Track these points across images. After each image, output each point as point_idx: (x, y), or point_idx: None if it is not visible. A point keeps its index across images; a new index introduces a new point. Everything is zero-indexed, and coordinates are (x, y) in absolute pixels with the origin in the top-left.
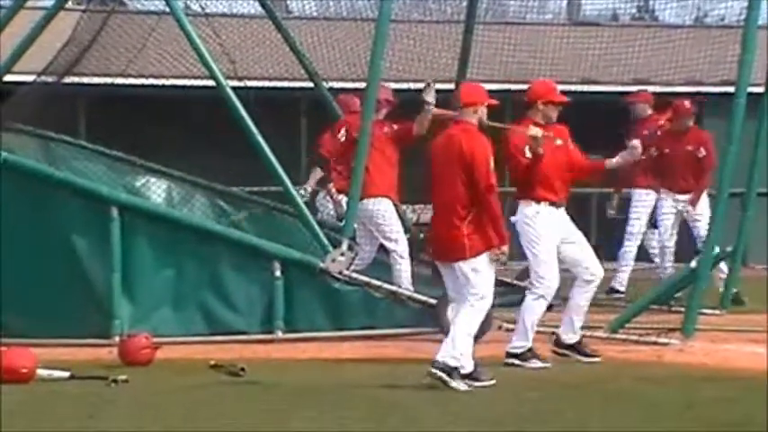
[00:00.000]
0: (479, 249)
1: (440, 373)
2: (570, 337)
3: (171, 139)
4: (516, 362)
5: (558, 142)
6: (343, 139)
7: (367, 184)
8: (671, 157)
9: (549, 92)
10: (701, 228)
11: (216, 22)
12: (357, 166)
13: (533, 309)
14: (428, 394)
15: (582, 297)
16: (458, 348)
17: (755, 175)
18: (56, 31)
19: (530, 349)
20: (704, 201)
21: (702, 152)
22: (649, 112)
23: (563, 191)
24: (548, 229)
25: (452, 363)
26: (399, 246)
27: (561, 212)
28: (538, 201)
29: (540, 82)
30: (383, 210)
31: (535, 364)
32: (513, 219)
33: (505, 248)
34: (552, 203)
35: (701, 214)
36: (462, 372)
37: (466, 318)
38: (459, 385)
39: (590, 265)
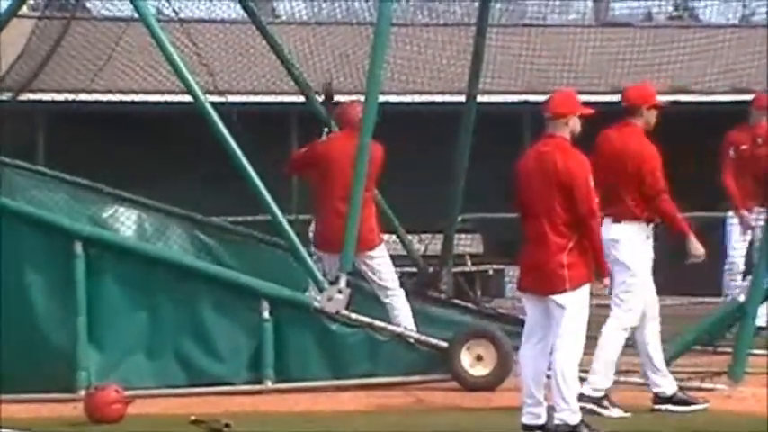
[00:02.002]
0: (580, 281)
1: None
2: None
3: (143, 163)
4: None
5: None
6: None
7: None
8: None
9: (651, 96)
10: None
11: (192, 28)
12: (356, 186)
13: (616, 341)
14: None
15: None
16: (570, 400)
17: None
18: (8, 40)
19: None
20: None
21: None
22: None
23: None
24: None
25: (573, 419)
26: (389, 286)
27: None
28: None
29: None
30: (379, 260)
31: (616, 411)
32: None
33: (607, 281)
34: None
35: None
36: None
37: (565, 361)
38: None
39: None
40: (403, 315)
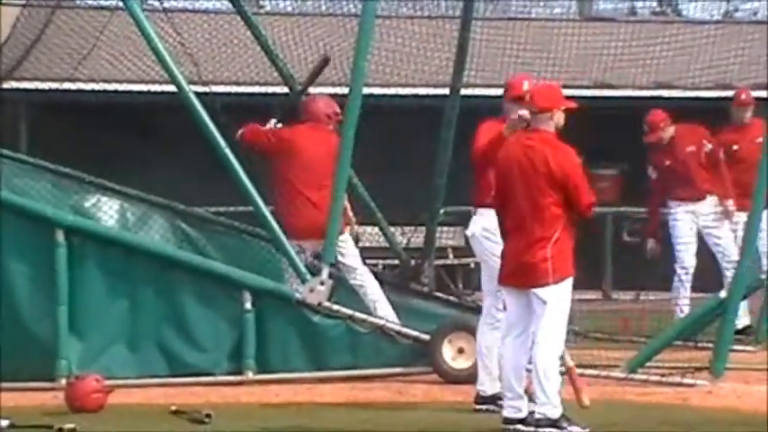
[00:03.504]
0: (563, 275)
1: (548, 430)
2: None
3: (125, 153)
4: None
5: None
6: None
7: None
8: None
9: (509, 89)
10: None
11: (177, 18)
12: (339, 180)
13: (486, 339)
14: None
15: (493, 336)
16: (551, 394)
17: None
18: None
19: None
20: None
21: None
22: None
23: None
24: None
25: (555, 413)
26: (356, 262)
27: None
28: None
29: (511, 79)
30: (345, 245)
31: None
32: (468, 232)
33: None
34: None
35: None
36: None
37: (546, 357)
38: (576, 430)
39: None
40: (376, 295)
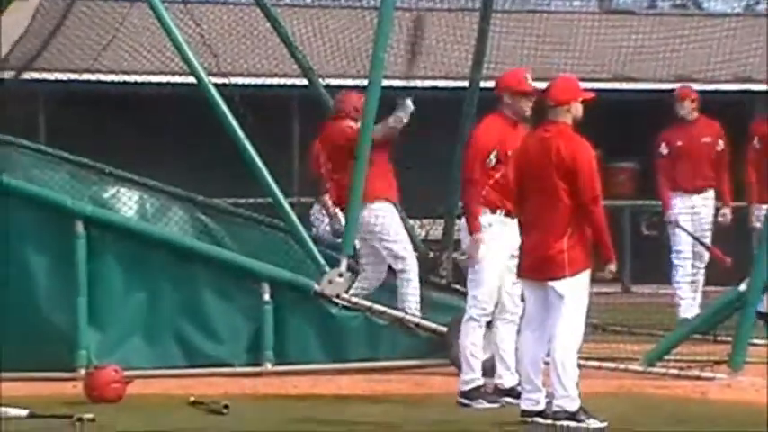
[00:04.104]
0: (580, 267)
1: (566, 423)
2: (510, 380)
3: (144, 144)
4: (464, 401)
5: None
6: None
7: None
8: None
9: (519, 81)
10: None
11: (196, 9)
12: (357, 172)
13: (467, 334)
14: None
15: (507, 330)
16: (569, 386)
17: None
18: (12, 20)
19: (477, 387)
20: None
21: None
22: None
23: None
24: (498, 246)
25: (572, 406)
26: (408, 264)
27: (514, 224)
28: (493, 209)
29: (509, 72)
30: (382, 215)
31: (481, 404)
32: (462, 223)
33: (613, 266)
34: (508, 213)
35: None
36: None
37: (565, 350)
38: (594, 423)
39: (515, 292)
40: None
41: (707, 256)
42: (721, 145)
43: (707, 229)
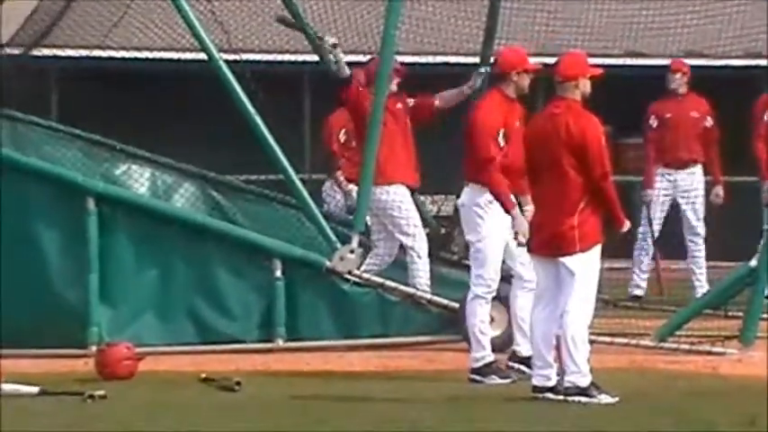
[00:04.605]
0: (591, 243)
1: (577, 399)
2: (527, 349)
3: (156, 121)
4: (476, 377)
5: (517, 124)
6: (343, 138)
7: (378, 168)
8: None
9: (523, 60)
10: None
11: None
12: (368, 150)
13: (474, 312)
14: (448, 412)
15: (525, 299)
16: (580, 362)
17: None
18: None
19: (489, 363)
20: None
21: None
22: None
23: (521, 176)
24: (500, 224)
25: (583, 381)
26: (417, 241)
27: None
28: None
29: (510, 49)
30: (398, 199)
31: (493, 380)
32: (459, 201)
33: (626, 228)
34: (491, 191)
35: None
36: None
37: (575, 325)
38: (606, 398)
39: (529, 261)
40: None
41: (699, 228)
42: (710, 121)
43: (699, 205)
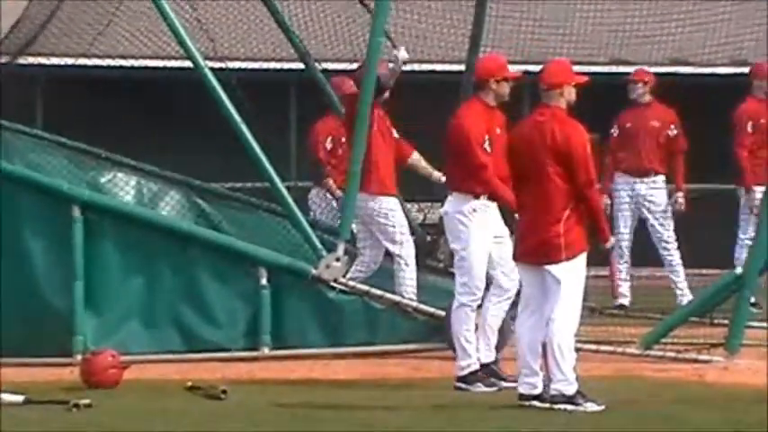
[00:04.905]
0: (576, 251)
1: (563, 407)
2: (487, 356)
3: (141, 129)
4: (461, 385)
5: (498, 131)
6: (329, 146)
7: (370, 177)
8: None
9: (502, 68)
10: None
11: None
12: (354, 156)
13: (460, 321)
14: (435, 420)
15: (498, 308)
16: (567, 370)
17: None
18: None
19: (475, 371)
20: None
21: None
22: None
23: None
24: (483, 231)
25: (569, 390)
26: (405, 249)
27: (496, 207)
28: (477, 195)
29: (488, 57)
30: (389, 207)
31: (479, 388)
32: (442, 210)
33: (610, 244)
34: (491, 197)
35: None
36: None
37: (562, 333)
38: (592, 406)
39: (510, 270)
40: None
41: (668, 236)
42: (673, 131)
43: (662, 217)
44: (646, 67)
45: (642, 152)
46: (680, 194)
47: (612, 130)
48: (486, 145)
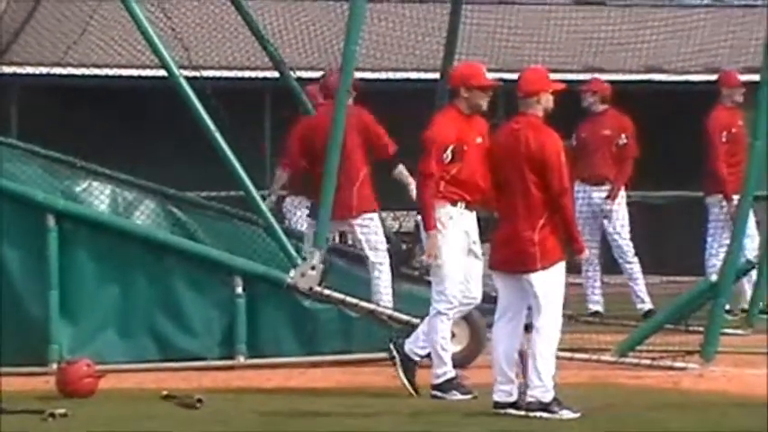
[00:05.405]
0: (552, 260)
1: (539, 414)
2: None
3: (116, 138)
4: (437, 393)
5: (479, 140)
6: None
7: (363, 195)
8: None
9: (477, 75)
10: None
11: (167, 2)
12: (329, 165)
13: (435, 329)
14: (411, 427)
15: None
16: (545, 378)
17: None
18: None
19: (450, 380)
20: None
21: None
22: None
23: (479, 192)
24: (459, 238)
25: (546, 397)
26: (380, 255)
27: (473, 216)
28: (454, 202)
29: (463, 65)
30: (377, 224)
31: (455, 396)
32: (418, 218)
33: (584, 256)
34: (468, 205)
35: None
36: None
37: (542, 341)
38: (567, 413)
39: (475, 286)
40: (385, 285)
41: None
42: (624, 139)
43: (618, 224)
44: (601, 77)
45: (595, 160)
46: (609, 202)
47: (572, 140)
48: (449, 153)
